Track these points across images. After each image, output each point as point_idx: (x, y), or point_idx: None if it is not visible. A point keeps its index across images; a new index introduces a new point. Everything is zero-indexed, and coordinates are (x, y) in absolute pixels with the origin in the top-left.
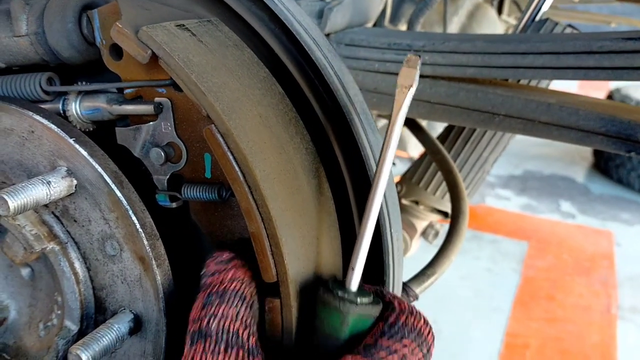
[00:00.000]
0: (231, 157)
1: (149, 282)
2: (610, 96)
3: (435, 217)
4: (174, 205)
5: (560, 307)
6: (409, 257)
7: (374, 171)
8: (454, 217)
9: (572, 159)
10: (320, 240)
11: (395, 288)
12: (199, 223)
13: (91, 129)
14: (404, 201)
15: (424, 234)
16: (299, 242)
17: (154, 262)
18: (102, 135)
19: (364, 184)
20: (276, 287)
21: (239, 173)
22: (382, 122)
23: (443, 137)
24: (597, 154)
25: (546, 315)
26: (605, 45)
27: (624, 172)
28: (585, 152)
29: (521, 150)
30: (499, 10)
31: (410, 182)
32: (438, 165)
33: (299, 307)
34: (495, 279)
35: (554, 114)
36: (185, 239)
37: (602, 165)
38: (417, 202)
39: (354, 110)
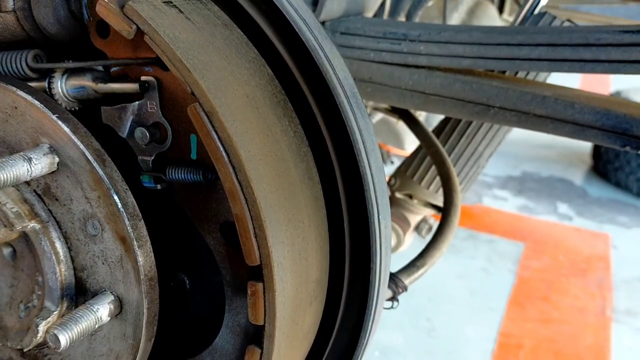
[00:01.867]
0: (215, 137)
1: (130, 263)
2: None
3: (428, 212)
4: (158, 187)
5: (555, 308)
6: (401, 252)
7: None
8: (446, 209)
9: (570, 161)
10: (306, 224)
11: (382, 277)
12: (183, 205)
13: (77, 107)
14: (397, 195)
15: (417, 228)
16: (284, 226)
17: (135, 242)
18: (88, 114)
19: (353, 169)
20: (259, 271)
21: (224, 153)
22: (378, 116)
23: (438, 131)
24: (595, 156)
25: (541, 316)
26: (602, 38)
27: (622, 175)
28: (583, 155)
29: (519, 152)
30: (500, 9)
31: (404, 175)
32: (432, 158)
33: (282, 290)
34: (491, 279)
35: (549, 106)
36: (169, 221)
37: (601, 168)
38: (410, 196)
39: (343, 94)
